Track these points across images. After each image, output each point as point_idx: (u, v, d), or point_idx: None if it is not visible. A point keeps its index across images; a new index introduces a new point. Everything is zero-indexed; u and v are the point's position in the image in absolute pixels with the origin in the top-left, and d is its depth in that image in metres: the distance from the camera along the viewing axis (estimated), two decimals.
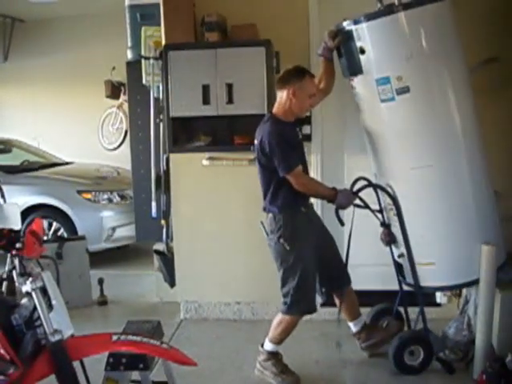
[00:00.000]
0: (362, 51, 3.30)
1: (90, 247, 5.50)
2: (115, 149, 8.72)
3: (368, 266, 4.06)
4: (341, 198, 3.38)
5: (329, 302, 3.92)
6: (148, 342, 2.41)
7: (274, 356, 3.56)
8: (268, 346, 3.58)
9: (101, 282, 5.16)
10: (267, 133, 3.34)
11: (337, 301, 3.76)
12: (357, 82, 3.43)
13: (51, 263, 2.70)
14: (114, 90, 8.31)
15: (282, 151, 3.29)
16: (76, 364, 2.36)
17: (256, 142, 3.46)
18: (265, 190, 3.47)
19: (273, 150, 3.30)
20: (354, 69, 3.37)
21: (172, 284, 4.66)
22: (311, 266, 3.48)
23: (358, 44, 3.31)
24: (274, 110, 3.48)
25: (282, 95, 3.41)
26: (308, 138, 4.25)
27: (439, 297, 4.46)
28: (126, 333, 2.55)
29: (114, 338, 2.37)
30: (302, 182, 3.39)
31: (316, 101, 3.58)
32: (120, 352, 2.50)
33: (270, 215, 3.46)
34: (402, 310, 3.90)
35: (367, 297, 4.07)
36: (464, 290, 3.95)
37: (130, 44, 5.40)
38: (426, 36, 3.27)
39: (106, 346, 2.39)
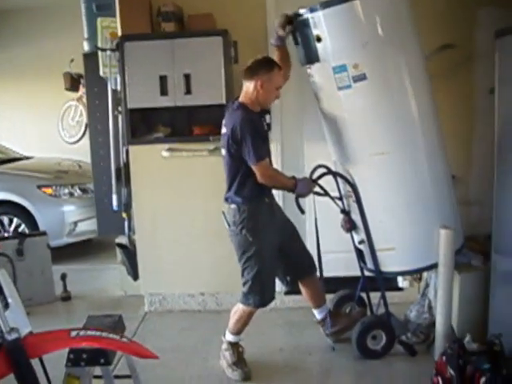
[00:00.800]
0: (319, 39, 3.29)
1: (52, 242, 5.42)
2: (76, 142, 8.60)
3: (330, 253, 4.07)
4: (301, 187, 3.39)
5: (293, 290, 3.95)
6: (107, 336, 2.38)
7: (232, 346, 3.57)
8: (227, 335, 3.59)
9: (63, 277, 5.10)
10: (240, 120, 3.28)
11: (302, 289, 3.79)
12: (314, 70, 3.42)
13: (8, 261, 2.65)
14: (73, 83, 8.17)
15: (253, 140, 3.25)
16: (36, 362, 2.33)
17: (225, 130, 3.39)
18: (231, 180, 3.43)
19: (245, 137, 3.25)
20: (311, 57, 3.36)
21: (135, 277, 4.64)
22: (271, 258, 3.48)
23: (315, 32, 3.29)
24: (241, 99, 3.42)
25: (249, 85, 3.37)
26: (267, 126, 4.23)
27: (401, 281, 4.52)
28: (86, 328, 2.52)
29: (73, 333, 2.33)
30: (269, 173, 3.37)
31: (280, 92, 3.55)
32: (81, 348, 2.46)
33: (233, 206, 3.43)
34: (364, 295, 3.94)
35: (330, 283, 4.09)
36: (424, 274, 4.01)
37: (86, 35, 5.33)
38: (381, 23, 3.28)
39: (64, 343, 2.34)
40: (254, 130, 3.29)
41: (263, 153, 3.32)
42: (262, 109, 3.50)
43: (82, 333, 2.36)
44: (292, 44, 3.49)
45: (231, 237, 3.50)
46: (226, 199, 3.48)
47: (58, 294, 5.10)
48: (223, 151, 3.44)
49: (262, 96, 3.37)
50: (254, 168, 3.30)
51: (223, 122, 3.46)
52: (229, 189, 3.46)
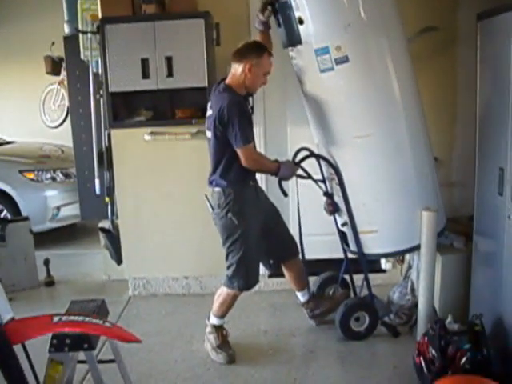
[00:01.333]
0: (301, 21, 3.27)
1: (35, 228, 5.39)
2: (58, 126, 8.51)
3: (313, 236, 4.10)
4: (284, 170, 3.39)
5: (277, 273, 3.96)
6: (90, 321, 2.38)
7: (216, 329, 3.59)
8: (212, 318, 3.60)
9: (47, 262, 5.07)
10: (227, 102, 3.25)
11: (285, 272, 3.81)
12: (296, 52, 3.40)
13: None
14: (54, 66, 8.05)
15: (240, 123, 3.23)
16: (19, 348, 2.33)
17: (211, 111, 3.36)
18: (216, 162, 3.41)
19: (232, 120, 3.22)
20: (293, 39, 3.33)
21: (119, 261, 4.63)
22: (256, 241, 3.49)
23: (297, 14, 3.27)
24: (228, 81, 3.40)
25: (237, 68, 3.35)
26: (251, 109, 4.23)
27: (384, 263, 4.56)
28: (68, 313, 2.51)
29: (55, 319, 2.33)
30: (254, 157, 3.35)
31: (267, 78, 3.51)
32: (64, 333, 2.46)
33: (218, 189, 3.41)
34: (347, 277, 3.97)
35: (314, 265, 4.12)
36: (407, 256, 4.04)
37: (66, 18, 5.26)
38: (363, 5, 3.26)
39: (47, 328, 2.34)
40: (241, 113, 3.27)
41: (249, 136, 3.31)
42: (248, 93, 3.48)
43: (64, 318, 2.36)
44: (275, 26, 3.46)
45: (215, 220, 3.49)
46: (211, 182, 3.47)
47: (41, 280, 5.08)
48: (208, 133, 3.42)
49: (249, 80, 3.35)
50: (239, 151, 3.29)
51: (208, 104, 3.43)
52: (213, 172, 3.44)
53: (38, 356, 2.47)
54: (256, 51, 3.34)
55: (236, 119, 3.23)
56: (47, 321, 2.34)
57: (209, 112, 3.40)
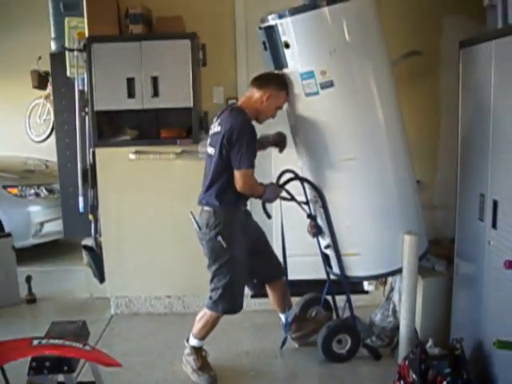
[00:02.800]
0: (287, 45, 3.30)
1: (18, 243, 5.36)
2: (43, 141, 8.45)
3: (297, 256, 4.11)
4: (268, 193, 3.40)
5: (259, 294, 3.96)
6: (70, 345, 2.37)
7: (196, 351, 3.56)
8: (191, 340, 3.58)
9: (28, 279, 5.01)
10: (240, 122, 3.26)
11: (269, 293, 3.82)
12: None
13: None
14: (40, 81, 8.03)
15: (248, 146, 3.22)
16: None
17: (219, 128, 3.31)
18: (211, 181, 3.37)
19: (241, 140, 3.21)
20: (279, 63, 3.36)
21: (101, 279, 4.60)
22: (243, 265, 3.48)
23: (283, 38, 3.30)
24: (241, 103, 3.41)
25: (255, 93, 3.37)
26: None
27: (366, 284, 4.56)
28: (48, 336, 2.50)
29: (35, 342, 2.33)
30: (250, 182, 3.32)
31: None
32: (43, 355, 2.45)
33: (208, 208, 3.39)
34: (330, 298, 3.98)
35: (297, 286, 4.13)
36: (389, 278, 4.06)
37: (53, 35, 5.27)
38: (349, 31, 3.29)
39: (26, 351, 2.34)
40: (251, 137, 3.27)
41: (253, 161, 3.29)
42: (255, 120, 3.44)
43: (44, 341, 2.36)
44: (260, 49, 3.49)
45: (202, 240, 3.46)
46: (201, 200, 3.44)
47: (22, 297, 5.03)
48: (210, 150, 3.39)
49: (263, 108, 3.38)
50: (238, 173, 3.26)
51: (217, 120, 3.39)
52: (207, 190, 3.41)
53: (17, 379, 2.46)
54: (279, 84, 3.37)
55: (245, 141, 3.22)
56: (26, 344, 2.34)
57: (216, 129, 3.36)
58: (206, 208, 3.40)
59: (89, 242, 4.74)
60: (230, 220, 3.38)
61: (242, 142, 3.22)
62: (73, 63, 4.59)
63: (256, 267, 3.64)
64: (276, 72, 3.42)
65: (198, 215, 3.48)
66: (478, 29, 3.62)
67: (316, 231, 3.70)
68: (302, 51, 3.31)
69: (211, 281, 3.47)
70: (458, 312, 3.56)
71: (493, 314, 3.06)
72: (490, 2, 3.38)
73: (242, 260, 3.46)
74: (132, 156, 4.31)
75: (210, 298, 3.48)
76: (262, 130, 3.56)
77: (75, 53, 4.53)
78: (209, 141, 3.45)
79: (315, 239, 3.77)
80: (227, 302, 3.45)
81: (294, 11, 3.27)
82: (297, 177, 3.66)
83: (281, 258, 3.74)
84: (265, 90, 3.35)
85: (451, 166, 3.71)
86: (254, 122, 3.40)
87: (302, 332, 3.85)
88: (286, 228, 3.74)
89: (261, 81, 3.40)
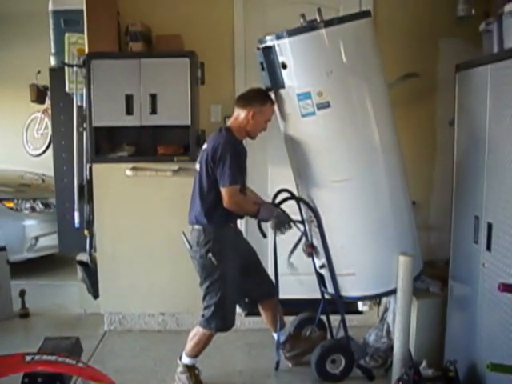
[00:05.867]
0: (284, 66, 3.33)
1: (12, 257, 5.34)
2: (40, 155, 8.46)
3: (291, 275, 4.11)
4: (263, 212, 3.41)
5: (253, 312, 3.96)
6: (63, 361, 2.36)
7: (189, 369, 3.56)
8: (184, 358, 3.58)
9: (22, 293, 5.00)
10: (224, 141, 3.31)
11: (262, 312, 3.81)
12: (278, 95, 3.45)
13: None
14: (39, 95, 8.06)
15: (231, 163, 3.26)
16: None
17: (205, 146, 3.41)
18: (200, 199, 3.41)
19: (224, 157, 3.26)
20: (276, 83, 3.38)
21: (95, 295, 4.58)
22: (235, 283, 3.48)
23: (280, 59, 3.32)
24: (229, 124, 3.46)
25: (240, 113, 3.42)
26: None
27: (361, 304, 4.57)
28: (41, 352, 2.49)
29: (28, 358, 2.32)
30: (236, 200, 3.34)
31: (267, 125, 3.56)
32: (36, 371, 2.44)
33: (198, 227, 3.41)
34: (324, 318, 3.97)
35: (292, 305, 4.12)
36: (384, 298, 4.06)
37: (53, 50, 5.28)
38: (346, 52, 3.32)
39: (19, 367, 2.32)
40: (234, 154, 3.31)
41: (237, 177, 3.31)
42: (248, 137, 3.51)
43: (37, 357, 2.35)
44: (258, 68, 3.52)
45: (193, 258, 3.49)
46: (191, 219, 3.47)
47: (16, 311, 5.01)
48: (198, 166, 3.45)
49: (251, 126, 3.41)
50: (224, 190, 3.30)
51: (208, 139, 3.49)
52: (195, 208, 3.44)
53: None
54: (260, 99, 3.41)
55: (228, 158, 3.26)
56: (19, 360, 2.32)
57: (204, 146, 3.46)
58: (196, 226, 3.43)
59: (83, 257, 4.73)
60: (219, 237, 3.40)
61: (225, 160, 3.27)
62: (72, 79, 4.61)
63: (247, 286, 3.64)
64: (257, 88, 3.47)
65: (189, 234, 3.50)
66: (474, 53, 3.65)
67: (311, 251, 3.71)
68: (299, 72, 3.33)
69: (203, 298, 3.48)
70: (452, 334, 3.56)
71: (487, 336, 3.06)
72: (486, 27, 3.42)
73: (233, 277, 3.46)
74: (129, 172, 4.32)
75: (203, 315, 3.48)
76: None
77: (75, 68, 4.55)
78: (198, 158, 3.52)
79: (310, 258, 3.78)
80: (220, 320, 3.45)
81: (292, 32, 3.29)
82: (293, 196, 3.67)
83: (273, 277, 3.73)
84: (249, 109, 3.39)
85: (446, 187, 3.72)
86: (247, 139, 3.49)
87: (296, 351, 3.84)
88: (280, 246, 3.74)
89: (243, 100, 3.45)
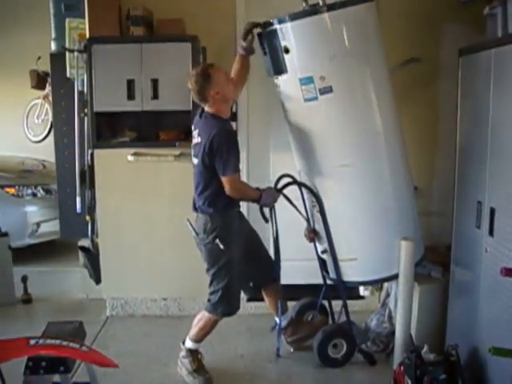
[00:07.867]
0: (287, 50, 3.31)
1: (14, 243, 5.32)
2: (41, 141, 8.45)
3: (293, 261, 4.13)
4: (265, 197, 3.41)
5: (255, 297, 3.97)
6: (67, 344, 2.37)
7: (192, 354, 3.57)
8: (188, 343, 3.59)
9: (24, 279, 5.01)
10: (218, 130, 3.26)
11: (265, 297, 3.82)
12: (281, 81, 3.44)
13: None
14: (39, 81, 8.04)
15: (230, 152, 3.25)
16: None
17: (200, 139, 3.35)
18: (202, 189, 3.40)
19: (221, 148, 3.23)
20: (278, 68, 3.38)
21: (97, 281, 4.59)
22: (239, 267, 3.49)
23: (283, 43, 3.31)
24: (210, 110, 3.36)
25: (210, 104, 3.33)
26: None
27: (362, 290, 4.57)
28: (45, 336, 2.50)
29: (32, 342, 2.32)
30: (238, 187, 3.35)
31: (236, 90, 3.53)
32: (40, 355, 2.44)
33: (204, 215, 3.41)
34: (326, 303, 3.98)
35: (293, 291, 4.14)
36: (385, 284, 4.07)
37: (54, 35, 5.28)
38: (348, 37, 3.31)
39: (23, 351, 2.33)
40: (231, 142, 3.29)
41: (237, 166, 3.31)
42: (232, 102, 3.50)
43: (41, 341, 2.35)
44: (260, 54, 3.50)
45: (199, 245, 3.48)
46: (195, 208, 3.47)
47: (18, 297, 5.02)
48: (195, 160, 3.42)
49: (223, 98, 3.34)
50: (225, 180, 3.29)
51: (195, 130, 3.43)
52: (199, 198, 3.43)
53: (13, 378, 2.45)
54: (204, 81, 3.28)
55: (225, 148, 3.24)
56: (23, 343, 2.33)
57: (196, 140, 3.40)
58: (202, 215, 3.43)
59: (85, 242, 4.75)
60: (226, 223, 3.41)
61: (223, 149, 3.24)
62: (73, 64, 4.60)
63: (251, 271, 3.65)
64: (190, 78, 3.35)
65: (193, 221, 3.50)
66: (478, 37, 3.63)
67: (313, 236, 3.72)
68: (301, 56, 3.32)
69: (210, 284, 3.49)
70: (454, 318, 3.57)
71: (488, 320, 3.08)
72: (490, 11, 3.39)
73: (238, 262, 3.47)
74: (130, 158, 4.31)
75: (209, 300, 3.50)
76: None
77: (75, 53, 4.53)
78: (192, 152, 3.48)
79: (312, 244, 3.79)
80: (226, 305, 3.47)
81: (295, 16, 3.28)
82: (295, 181, 3.67)
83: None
84: (208, 97, 3.30)
85: (449, 172, 3.71)
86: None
87: (298, 336, 3.86)
88: (283, 232, 3.74)
89: (199, 97, 3.34)
